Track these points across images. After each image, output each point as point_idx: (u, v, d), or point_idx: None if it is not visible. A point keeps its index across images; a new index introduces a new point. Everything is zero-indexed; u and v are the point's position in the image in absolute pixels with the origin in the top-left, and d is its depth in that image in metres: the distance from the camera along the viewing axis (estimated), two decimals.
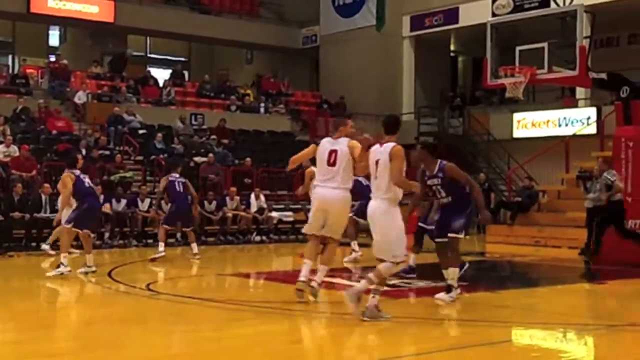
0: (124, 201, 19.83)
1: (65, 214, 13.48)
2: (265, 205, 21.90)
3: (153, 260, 15.45)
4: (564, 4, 16.24)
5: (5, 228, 17.94)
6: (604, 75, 15.98)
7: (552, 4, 17.24)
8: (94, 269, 13.09)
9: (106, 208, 19.30)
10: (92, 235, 13.90)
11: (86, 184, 13.13)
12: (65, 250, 13.00)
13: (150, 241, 19.69)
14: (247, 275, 14.49)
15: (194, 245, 16.37)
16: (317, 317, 9.52)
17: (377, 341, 8.22)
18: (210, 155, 23.28)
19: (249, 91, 30.92)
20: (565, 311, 10.54)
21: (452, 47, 33.31)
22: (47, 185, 18.99)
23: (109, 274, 13.16)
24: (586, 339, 8.67)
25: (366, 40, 31.35)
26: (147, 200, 20.05)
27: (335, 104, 31.71)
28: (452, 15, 29.38)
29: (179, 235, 20.11)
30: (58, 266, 12.75)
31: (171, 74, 31.26)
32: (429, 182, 10.59)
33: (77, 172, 13.13)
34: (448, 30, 30.25)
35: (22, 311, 10.12)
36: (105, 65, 30.65)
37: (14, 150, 20.46)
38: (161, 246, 15.76)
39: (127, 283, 12.13)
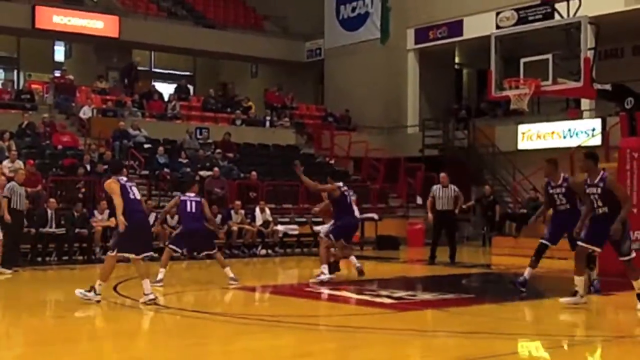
0: None
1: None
2: (270, 219, 21.90)
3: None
4: (568, 15, 16.17)
5: (12, 242, 17.94)
6: (608, 87, 15.97)
7: (557, 16, 17.16)
8: (152, 296, 11.31)
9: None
10: (146, 256, 11.96)
11: (131, 195, 11.42)
12: (103, 279, 11.61)
13: (156, 255, 19.65)
14: (253, 289, 14.48)
15: (228, 270, 14.15)
16: (324, 330, 9.51)
17: (384, 354, 8.21)
18: (216, 169, 23.30)
19: (250, 103, 30.95)
20: (571, 323, 10.52)
21: (456, 60, 33.35)
22: (52, 200, 19.05)
23: (115, 289, 13.14)
24: (592, 351, 8.65)
25: (371, 53, 31.42)
26: (153, 215, 20.04)
27: (340, 117, 31.76)
28: (456, 27, 29.42)
29: (184, 249, 20.09)
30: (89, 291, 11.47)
31: (176, 88, 31.33)
32: (588, 191, 10.93)
33: (124, 178, 11.69)
34: (452, 42, 30.29)
35: (27, 326, 10.13)
36: (110, 80, 30.76)
37: (19, 165, 20.50)
38: (161, 273, 13.94)
39: (133, 297, 12.12)
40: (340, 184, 15.00)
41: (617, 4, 24.33)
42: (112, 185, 11.32)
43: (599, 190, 10.79)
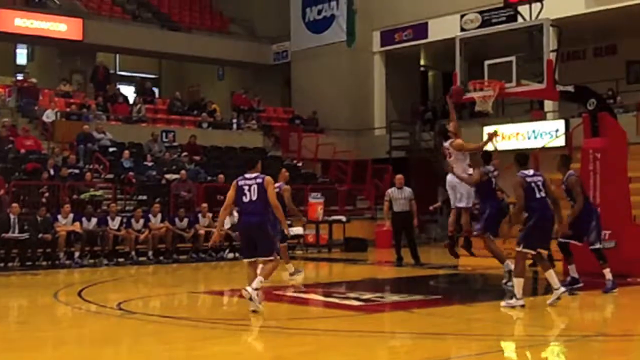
0: (94, 220, 19.68)
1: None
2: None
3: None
4: (531, 18, 16.32)
5: None
6: (571, 88, 16.11)
7: (520, 19, 17.30)
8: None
9: (76, 227, 19.20)
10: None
11: (245, 195, 10.80)
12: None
13: (121, 260, 19.58)
14: (221, 293, 14.43)
15: (290, 266, 13.49)
16: (292, 334, 9.49)
17: (352, 356, 8.20)
18: (183, 172, 23.18)
19: (215, 106, 30.83)
20: (537, 323, 10.58)
21: (422, 62, 33.49)
22: (15, 204, 18.83)
23: (79, 294, 13.05)
24: (558, 351, 8.71)
25: (337, 55, 31.45)
26: (118, 219, 19.92)
27: (308, 120, 31.76)
28: (421, 30, 29.54)
29: (150, 253, 20.02)
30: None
31: (140, 90, 31.12)
32: None
33: (249, 175, 11.00)
34: (418, 45, 30.40)
35: None
36: (74, 84, 30.50)
37: None
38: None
39: (98, 303, 12.03)
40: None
41: (578, 7, 24.58)
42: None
43: (564, 189, 11.58)
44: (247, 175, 10.95)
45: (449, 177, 14.64)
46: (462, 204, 14.63)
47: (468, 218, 14.84)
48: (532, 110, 27.76)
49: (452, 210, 14.92)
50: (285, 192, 14.70)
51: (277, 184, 13.97)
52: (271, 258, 10.77)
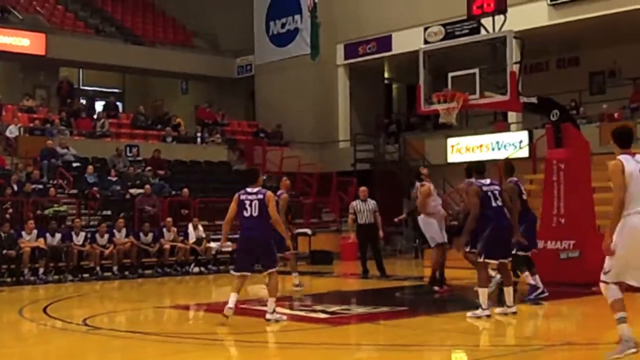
0: (58, 235, 19.49)
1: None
2: (203, 236, 21.73)
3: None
4: (494, 30, 16.47)
5: None
6: (534, 100, 16.28)
7: (483, 31, 17.46)
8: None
9: (40, 243, 19.01)
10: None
11: (246, 209, 10.98)
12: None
13: (86, 275, 19.42)
14: (187, 307, 14.36)
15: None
16: (259, 347, 9.47)
17: None
18: (147, 186, 23.04)
19: (179, 120, 30.72)
20: (503, 333, 10.66)
21: (386, 75, 33.62)
22: None
23: (45, 310, 12.92)
24: None
25: (301, 69, 31.49)
26: (82, 234, 19.76)
27: (272, 133, 31.76)
28: (385, 43, 29.66)
29: (115, 268, 19.88)
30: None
31: (104, 105, 30.96)
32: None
33: (250, 190, 11.12)
34: (381, 57, 30.50)
35: None
36: (38, 99, 30.27)
37: None
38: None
39: (64, 319, 11.93)
40: None
41: (541, 19, 24.81)
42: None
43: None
44: (248, 190, 11.15)
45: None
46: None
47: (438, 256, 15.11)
48: (496, 122, 28.01)
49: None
50: (282, 200, 14.82)
51: (278, 192, 14.79)
52: (274, 270, 11.03)
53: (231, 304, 10.81)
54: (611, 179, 7.61)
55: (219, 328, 10.44)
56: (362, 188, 18.69)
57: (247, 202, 11.00)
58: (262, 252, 11.02)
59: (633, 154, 7.65)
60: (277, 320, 10.88)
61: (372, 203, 18.31)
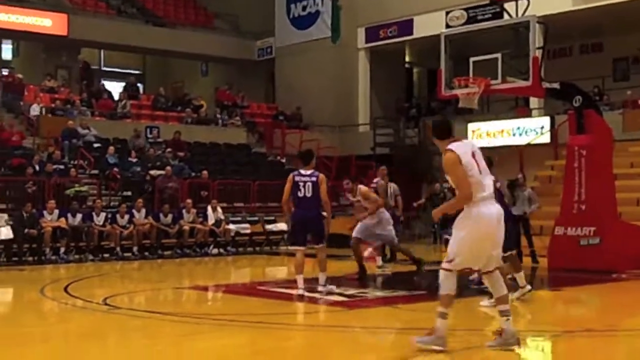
0: (79, 215, 19.62)
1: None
2: (222, 218, 21.80)
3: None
4: (517, 15, 16.37)
5: None
6: (556, 85, 16.19)
7: (505, 16, 17.35)
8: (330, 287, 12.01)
9: (61, 222, 19.13)
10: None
11: (300, 190, 11.65)
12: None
13: (106, 255, 19.53)
14: (205, 288, 14.41)
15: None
16: (277, 329, 9.50)
17: (336, 352, 8.23)
18: (168, 167, 23.10)
19: (202, 102, 30.78)
20: (523, 318, 10.63)
21: (407, 59, 33.51)
22: None
23: (65, 289, 13.01)
24: (543, 346, 8.76)
25: (322, 52, 31.44)
26: (103, 215, 19.86)
27: (292, 116, 31.74)
28: (406, 26, 29.55)
29: (135, 249, 19.99)
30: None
31: (125, 86, 31.05)
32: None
33: (304, 172, 11.76)
34: (403, 41, 30.41)
35: None
36: (59, 79, 30.37)
37: None
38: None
39: (84, 298, 12.00)
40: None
41: (565, 4, 24.64)
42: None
43: None
44: (302, 172, 11.81)
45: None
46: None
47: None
48: (518, 107, 27.85)
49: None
50: (380, 187, 16.27)
51: (375, 180, 16.42)
52: (323, 245, 12.01)
53: (301, 285, 11.67)
54: (449, 172, 7.58)
55: (237, 309, 10.47)
56: (382, 167, 18.37)
57: (301, 184, 11.69)
58: (313, 229, 11.90)
59: (458, 140, 7.67)
60: (329, 293, 11.67)
61: (393, 186, 18.05)
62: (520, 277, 11.27)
